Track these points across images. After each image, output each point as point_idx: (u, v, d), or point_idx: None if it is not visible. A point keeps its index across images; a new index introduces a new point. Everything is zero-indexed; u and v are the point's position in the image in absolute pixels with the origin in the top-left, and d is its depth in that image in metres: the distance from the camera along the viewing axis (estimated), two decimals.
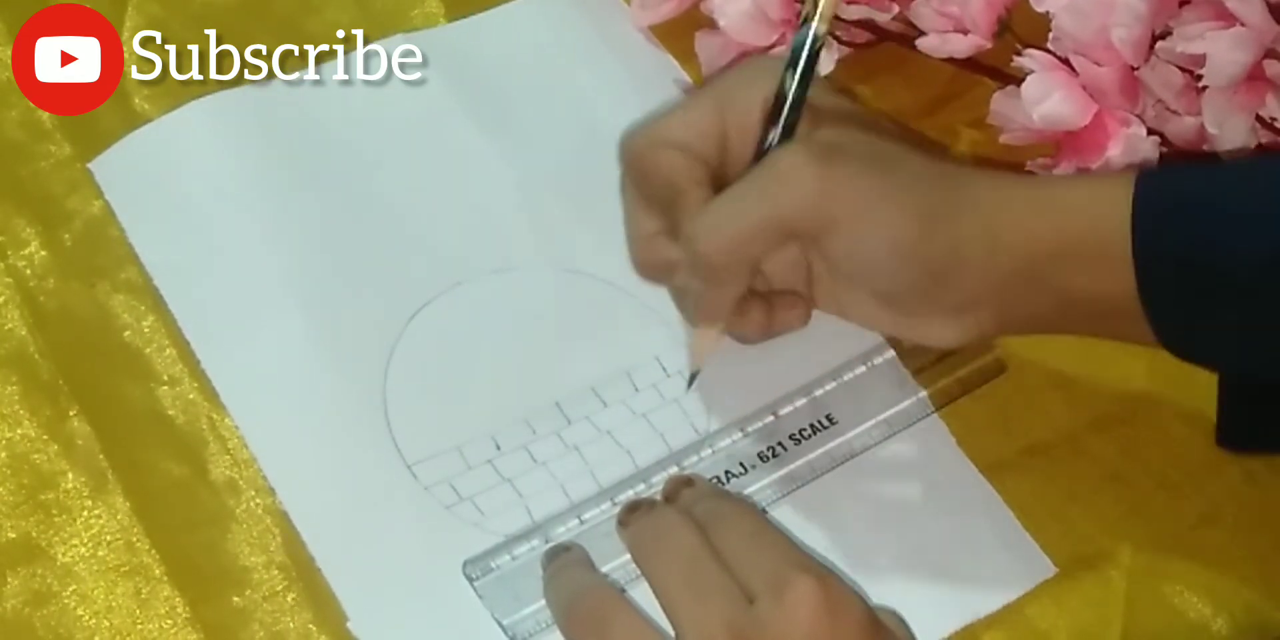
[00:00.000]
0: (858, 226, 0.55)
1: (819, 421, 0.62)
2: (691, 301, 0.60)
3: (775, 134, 0.58)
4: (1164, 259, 0.54)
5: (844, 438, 0.62)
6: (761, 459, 0.62)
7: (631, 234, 0.62)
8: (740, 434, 0.62)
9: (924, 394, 0.64)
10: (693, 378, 0.63)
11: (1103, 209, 0.55)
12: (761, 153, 0.59)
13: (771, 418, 0.62)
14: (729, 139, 0.60)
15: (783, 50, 0.63)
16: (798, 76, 0.58)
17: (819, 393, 0.63)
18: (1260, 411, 0.59)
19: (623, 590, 0.55)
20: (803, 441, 0.62)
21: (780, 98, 0.58)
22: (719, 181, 0.59)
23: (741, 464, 0.61)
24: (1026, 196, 0.57)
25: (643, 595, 0.53)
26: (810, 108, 0.59)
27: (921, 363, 0.64)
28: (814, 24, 0.58)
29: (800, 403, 0.63)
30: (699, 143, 0.59)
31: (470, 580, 0.58)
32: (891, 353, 0.64)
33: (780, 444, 0.62)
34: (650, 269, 0.62)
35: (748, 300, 0.60)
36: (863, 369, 0.64)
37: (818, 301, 0.61)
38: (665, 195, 0.59)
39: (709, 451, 0.62)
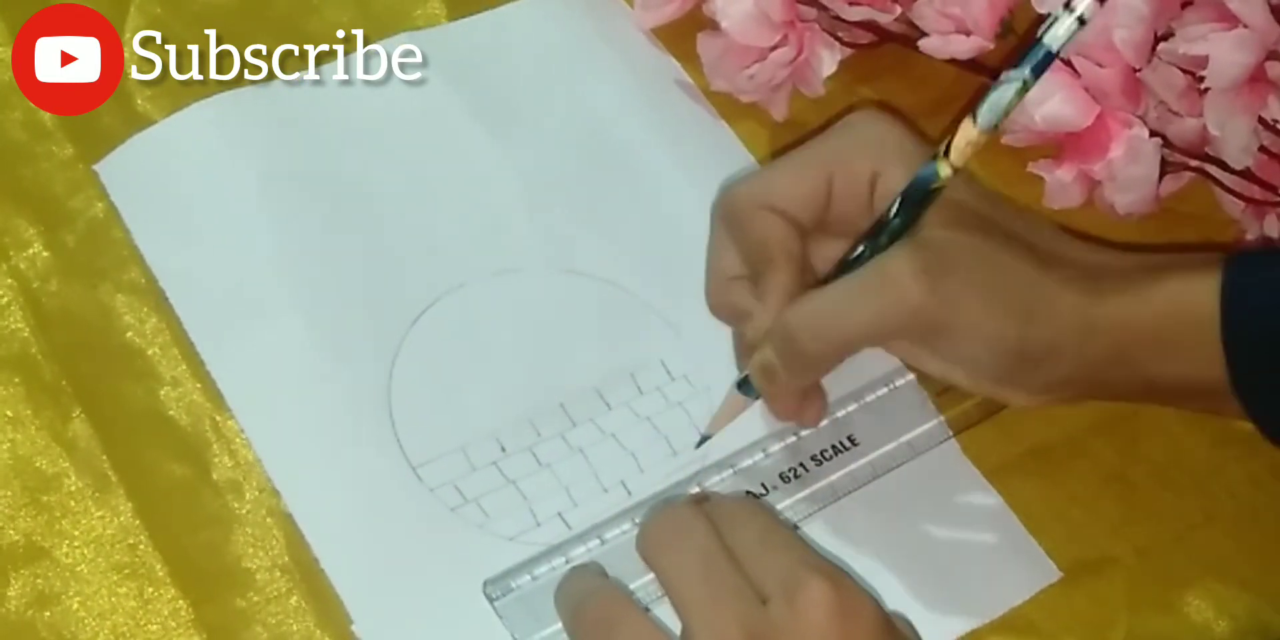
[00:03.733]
0: (960, 330, 0.56)
1: (841, 442, 0.62)
2: (760, 373, 0.59)
3: (878, 242, 0.57)
4: (1256, 348, 0.56)
5: (866, 459, 0.62)
6: (783, 480, 0.61)
7: (712, 272, 0.62)
8: (762, 454, 0.62)
9: (945, 417, 0.63)
10: (704, 440, 0.63)
11: (1193, 298, 0.56)
12: (866, 248, 0.58)
13: (793, 438, 0.62)
14: (832, 204, 0.59)
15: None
16: (906, 213, 0.56)
17: (841, 414, 0.63)
18: None
19: (647, 609, 0.55)
20: (824, 462, 0.62)
21: (882, 221, 0.57)
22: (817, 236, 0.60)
23: (763, 484, 0.61)
24: (1120, 287, 0.57)
25: (664, 615, 0.53)
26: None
27: (942, 385, 0.63)
28: (942, 163, 0.55)
29: (822, 424, 0.62)
30: (800, 209, 0.59)
31: (490, 600, 0.57)
32: (912, 376, 0.64)
33: (802, 465, 0.62)
34: (723, 310, 0.62)
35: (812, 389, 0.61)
36: (884, 391, 0.63)
37: (893, 350, 0.60)
38: (755, 255, 0.59)
39: (730, 471, 0.61)
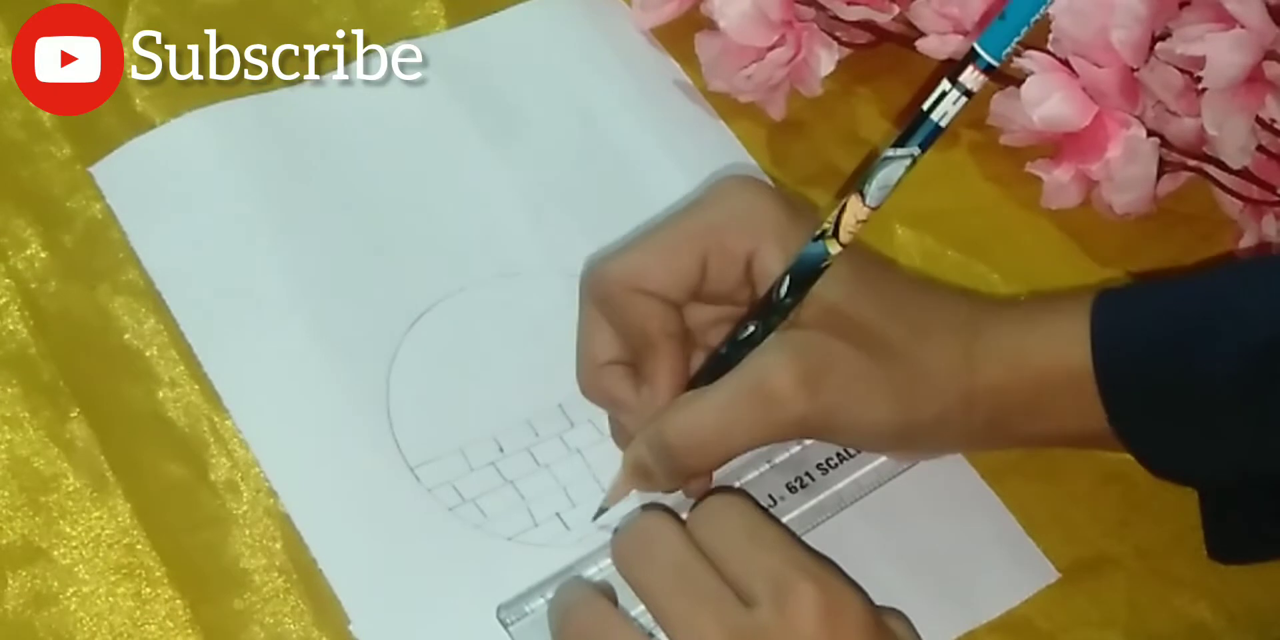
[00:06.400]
0: (844, 427, 0.56)
1: (845, 450, 0.61)
2: (635, 472, 0.58)
3: (770, 322, 0.56)
4: (1132, 391, 0.56)
5: (871, 466, 0.61)
6: (790, 490, 0.61)
7: (583, 356, 0.60)
8: (767, 465, 0.61)
9: None
10: (600, 512, 0.60)
11: (1065, 351, 0.57)
12: (757, 328, 0.56)
13: (797, 448, 0.61)
14: (706, 281, 0.58)
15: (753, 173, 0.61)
16: (795, 292, 0.55)
17: None
18: (1245, 523, 0.60)
19: (649, 634, 0.53)
20: (830, 471, 0.61)
21: (771, 301, 0.55)
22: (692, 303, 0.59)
23: (770, 496, 0.60)
24: (993, 352, 0.57)
25: None
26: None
27: None
28: (831, 242, 0.53)
29: None
30: (673, 288, 0.57)
31: (505, 625, 0.57)
32: None
33: (808, 474, 0.61)
34: (597, 396, 0.60)
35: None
36: None
37: None
38: (635, 340, 0.58)
39: (736, 484, 0.61)
